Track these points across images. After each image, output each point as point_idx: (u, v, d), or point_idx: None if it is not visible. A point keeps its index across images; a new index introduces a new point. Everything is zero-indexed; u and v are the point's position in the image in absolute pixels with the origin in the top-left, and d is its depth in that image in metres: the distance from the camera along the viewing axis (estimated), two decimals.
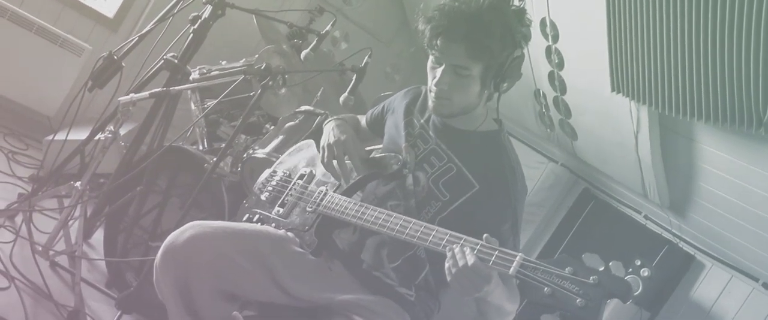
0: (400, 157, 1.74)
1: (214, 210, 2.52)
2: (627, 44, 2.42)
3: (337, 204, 1.69)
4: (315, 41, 2.92)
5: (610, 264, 1.11)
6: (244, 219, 1.90)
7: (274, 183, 1.93)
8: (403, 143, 1.78)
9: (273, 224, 1.82)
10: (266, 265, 1.65)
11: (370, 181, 1.79)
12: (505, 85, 1.63)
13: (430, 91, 1.65)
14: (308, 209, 1.76)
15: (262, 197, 1.91)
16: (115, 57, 2.43)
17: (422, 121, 1.78)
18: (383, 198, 1.76)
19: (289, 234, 1.78)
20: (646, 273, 3.13)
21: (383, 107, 1.98)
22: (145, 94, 2.25)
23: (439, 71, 1.61)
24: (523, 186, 1.69)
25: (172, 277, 1.59)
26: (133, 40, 2.51)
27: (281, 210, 1.83)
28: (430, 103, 1.68)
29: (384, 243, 1.70)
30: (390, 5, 4.57)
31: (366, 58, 2.72)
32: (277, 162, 2.06)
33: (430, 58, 1.64)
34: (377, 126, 2.00)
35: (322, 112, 2.72)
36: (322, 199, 1.75)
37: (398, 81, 4.77)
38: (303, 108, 2.73)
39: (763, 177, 2.38)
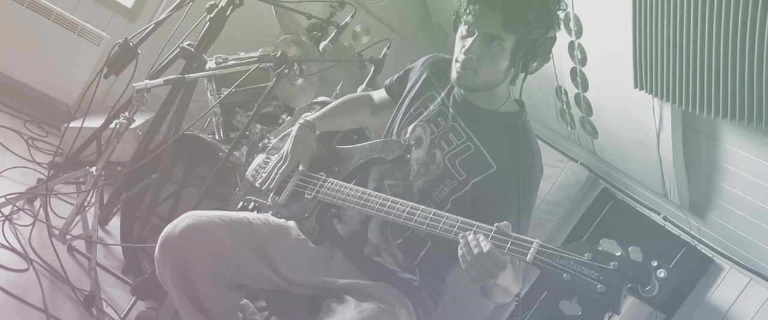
0: (403, 142, 1.70)
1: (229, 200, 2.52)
2: (652, 39, 2.37)
3: (337, 191, 1.66)
4: (334, 33, 2.91)
5: (630, 249, 1.11)
6: (239, 207, 1.86)
7: (268, 169, 1.86)
8: (412, 123, 1.75)
9: (270, 212, 1.79)
10: (264, 252, 1.64)
11: (371, 167, 1.76)
12: (535, 64, 1.59)
13: (457, 61, 1.60)
14: (307, 196, 1.73)
15: (257, 184, 1.87)
16: (131, 44, 2.44)
17: (443, 95, 1.73)
18: (381, 177, 1.74)
19: (290, 222, 1.75)
20: (662, 275, 3.08)
21: (403, 73, 1.92)
22: (159, 80, 2.25)
23: (469, 40, 1.56)
24: (540, 170, 1.66)
25: (172, 268, 1.58)
26: (149, 27, 2.51)
27: (278, 197, 1.78)
28: (454, 73, 1.62)
29: (388, 221, 1.66)
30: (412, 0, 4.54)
31: (385, 49, 2.70)
32: (270, 147, 2.00)
33: (462, 27, 1.59)
34: (399, 89, 1.91)
35: None
36: (321, 186, 1.72)
37: None
38: (319, 99, 2.72)
39: None
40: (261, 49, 2.85)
